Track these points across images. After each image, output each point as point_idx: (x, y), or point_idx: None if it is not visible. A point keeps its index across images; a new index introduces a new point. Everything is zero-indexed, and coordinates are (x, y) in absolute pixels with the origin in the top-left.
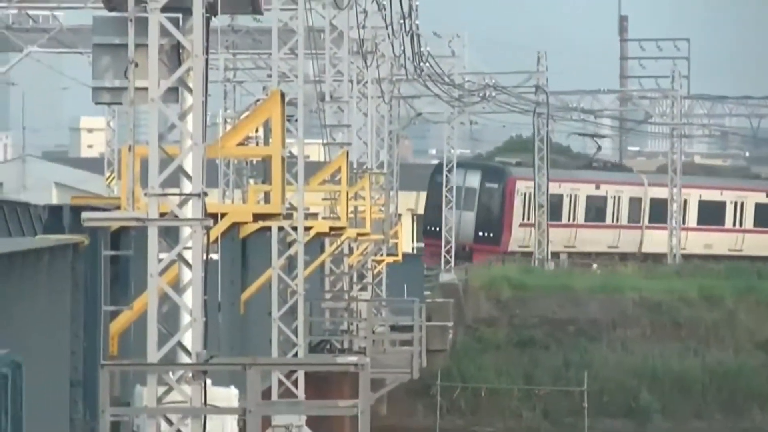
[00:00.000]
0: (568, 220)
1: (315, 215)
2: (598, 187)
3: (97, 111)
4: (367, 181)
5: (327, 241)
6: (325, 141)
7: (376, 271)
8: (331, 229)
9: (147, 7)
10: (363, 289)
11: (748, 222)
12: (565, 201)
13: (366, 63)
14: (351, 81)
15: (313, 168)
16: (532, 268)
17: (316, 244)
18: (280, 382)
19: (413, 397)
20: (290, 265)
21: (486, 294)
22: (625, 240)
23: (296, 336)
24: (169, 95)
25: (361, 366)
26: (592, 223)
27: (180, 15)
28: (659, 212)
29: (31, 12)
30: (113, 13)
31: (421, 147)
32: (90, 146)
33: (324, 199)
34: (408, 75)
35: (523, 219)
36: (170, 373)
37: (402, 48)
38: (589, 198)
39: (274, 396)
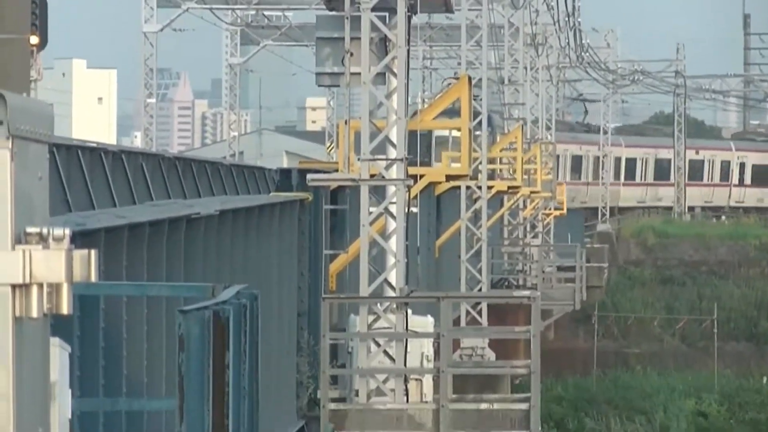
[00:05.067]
0: (641, 179)
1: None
2: (697, 153)
3: (320, 92)
4: (538, 148)
5: (506, 197)
6: (504, 116)
7: (545, 222)
8: (509, 188)
9: (360, 7)
10: (535, 236)
11: None
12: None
13: (537, 53)
14: (525, 68)
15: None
16: (672, 219)
17: (496, 200)
18: (468, 312)
19: (575, 325)
20: (476, 217)
21: (635, 241)
22: (717, 196)
23: (480, 274)
24: (378, 79)
25: (533, 299)
26: (690, 182)
27: (387, 13)
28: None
29: (266, 12)
30: (333, 12)
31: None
32: (314, 122)
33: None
34: (571, 62)
35: None
36: (378, 305)
37: (567, 40)
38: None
39: (463, 323)
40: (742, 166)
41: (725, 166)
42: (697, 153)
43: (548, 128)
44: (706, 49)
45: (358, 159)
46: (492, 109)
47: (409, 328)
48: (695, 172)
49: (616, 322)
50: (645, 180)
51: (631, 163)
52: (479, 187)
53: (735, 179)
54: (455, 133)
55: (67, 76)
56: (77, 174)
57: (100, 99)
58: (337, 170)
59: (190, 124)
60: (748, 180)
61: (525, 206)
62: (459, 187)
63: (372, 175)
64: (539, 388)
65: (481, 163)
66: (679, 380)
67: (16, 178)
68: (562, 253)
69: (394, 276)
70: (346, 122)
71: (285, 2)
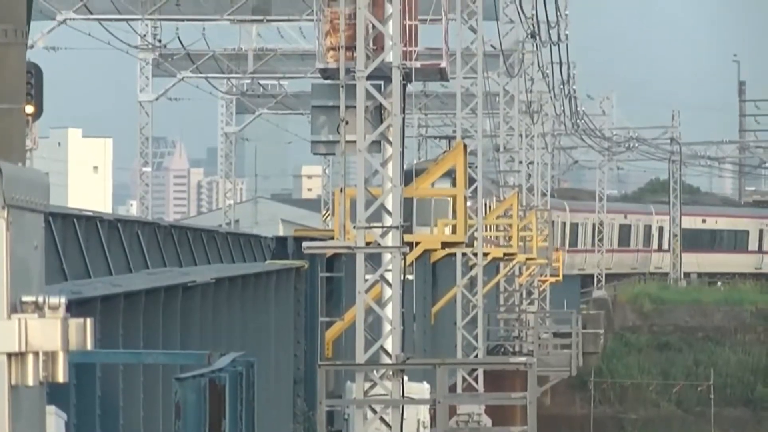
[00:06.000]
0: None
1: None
2: (704, 221)
3: (315, 160)
4: (534, 216)
5: (501, 264)
6: (500, 184)
7: (541, 289)
8: (505, 254)
9: (355, 76)
10: (530, 303)
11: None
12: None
13: (533, 120)
14: (520, 135)
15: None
16: (668, 285)
17: (492, 267)
18: (464, 379)
19: (572, 391)
20: (471, 284)
21: (630, 307)
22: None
23: (476, 341)
24: (373, 147)
25: (529, 365)
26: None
27: (381, 82)
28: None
29: (261, 81)
30: (328, 81)
31: (578, 188)
32: (309, 189)
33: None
34: (567, 130)
35: None
36: (374, 372)
37: (562, 108)
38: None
39: (459, 389)
40: (660, 230)
41: (647, 231)
42: (625, 217)
43: (544, 195)
44: (701, 115)
45: (354, 227)
46: (487, 176)
47: (405, 394)
48: (624, 236)
49: (612, 387)
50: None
51: (573, 227)
52: (475, 254)
53: (655, 244)
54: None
55: (63, 145)
56: (73, 243)
57: (95, 168)
58: (332, 238)
59: (185, 192)
60: (666, 245)
61: (521, 273)
62: (455, 254)
63: (368, 243)
64: None
65: (476, 230)
66: None
67: (12, 247)
68: (558, 320)
69: (390, 343)
70: (341, 190)
71: (280, 71)
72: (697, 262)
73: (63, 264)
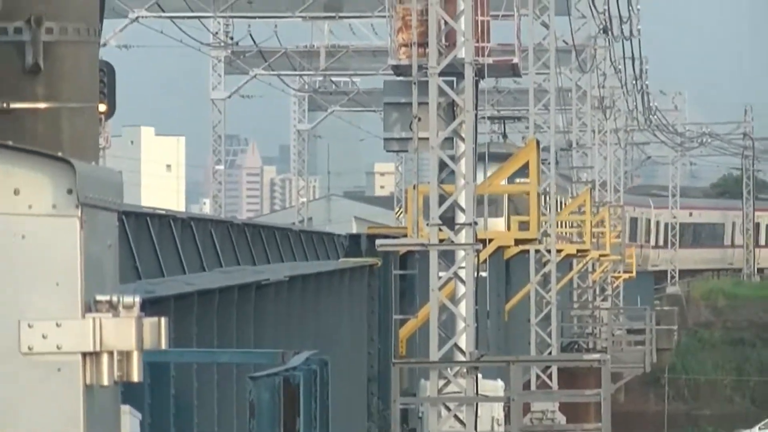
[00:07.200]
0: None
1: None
2: (691, 214)
3: (388, 157)
4: (607, 212)
5: (575, 260)
6: (573, 180)
7: (614, 285)
8: (578, 251)
9: (428, 72)
10: (604, 299)
11: None
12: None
13: (605, 116)
14: (593, 131)
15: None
16: (742, 281)
17: (565, 264)
18: (538, 376)
19: (646, 387)
20: (545, 281)
21: (704, 303)
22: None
23: (550, 338)
24: (446, 143)
25: (603, 362)
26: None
27: (454, 78)
28: None
29: (333, 78)
30: (400, 78)
31: (650, 184)
32: (382, 186)
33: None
34: (639, 125)
35: None
36: (448, 369)
37: (634, 103)
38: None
39: (533, 387)
40: (657, 225)
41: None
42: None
43: (616, 191)
44: None
45: (427, 224)
46: (560, 172)
47: (479, 392)
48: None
49: (686, 384)
50: None
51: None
52: (548, 251)
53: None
54: None
55: (136, 144)
56: (147, 241)
57: (168, 166)
58: (405, 235)
59: (258, 190)
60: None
61: (594, 269)
62: (528, 251)
63: (441, 240)
64: None
65: (549, 226)
66: None
67: (86, 246)
68: (631, 316)
69: (464, 340)
70: (414, 187)
71: (352, 68)
72: (683, 258)
73: (137, 263)
